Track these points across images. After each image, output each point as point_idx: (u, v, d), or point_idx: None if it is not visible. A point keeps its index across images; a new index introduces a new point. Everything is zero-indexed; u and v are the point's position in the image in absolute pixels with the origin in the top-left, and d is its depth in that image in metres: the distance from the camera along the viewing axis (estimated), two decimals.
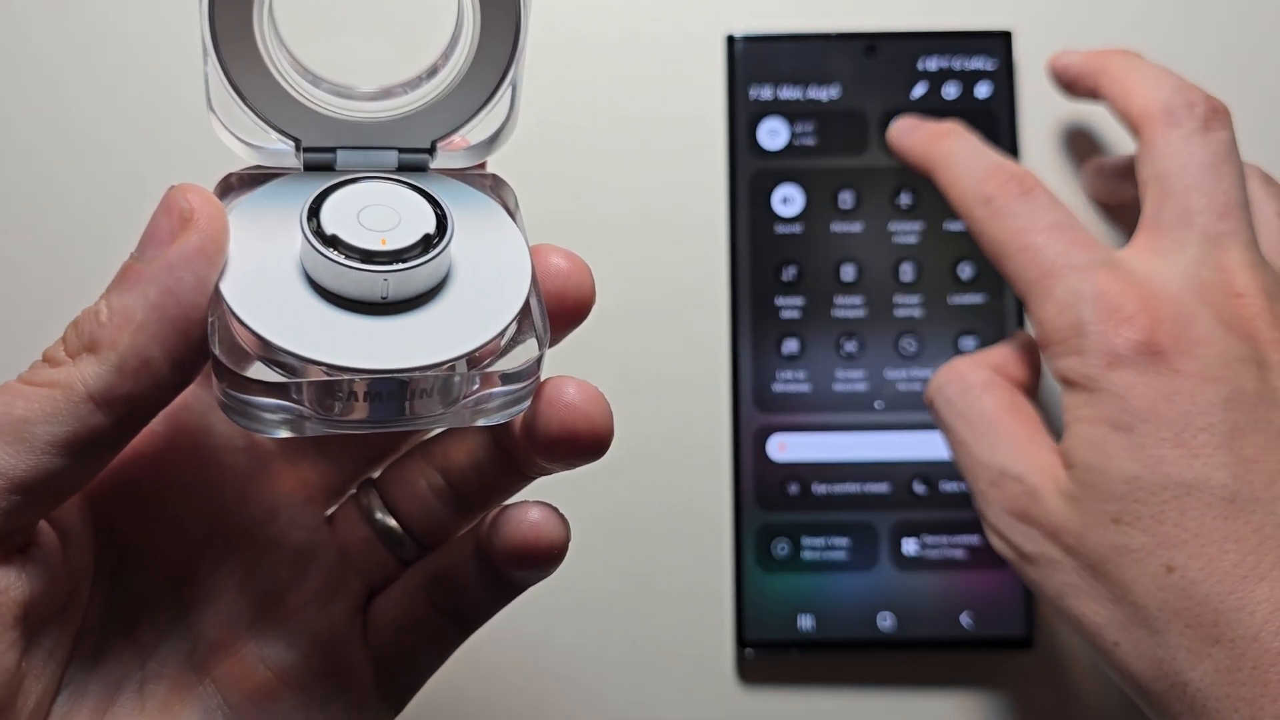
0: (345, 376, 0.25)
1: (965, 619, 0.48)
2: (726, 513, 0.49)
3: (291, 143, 0.28)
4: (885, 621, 0.48)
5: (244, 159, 0.29)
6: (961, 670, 0.48)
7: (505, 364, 0.27)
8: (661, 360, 0.49)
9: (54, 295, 0.48)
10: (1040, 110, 0.51)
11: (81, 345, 0.25)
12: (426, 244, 0.26)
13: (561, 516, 0.28)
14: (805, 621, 0.48)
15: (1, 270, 0.48)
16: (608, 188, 0.50)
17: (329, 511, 0.30)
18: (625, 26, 0.51)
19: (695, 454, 0.49)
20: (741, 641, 0.48)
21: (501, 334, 0.26)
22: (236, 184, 0.28)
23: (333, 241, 0.26)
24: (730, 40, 0.50)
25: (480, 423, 0.27)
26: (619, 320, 0.49)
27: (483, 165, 0.30)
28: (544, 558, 0.28)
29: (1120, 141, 0.50)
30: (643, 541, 0.48)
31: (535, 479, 0.29)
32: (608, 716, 0.48)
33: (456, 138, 0.29)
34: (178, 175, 0.46)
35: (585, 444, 0.27)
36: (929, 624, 0.48)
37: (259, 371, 0.26)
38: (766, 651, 0.48)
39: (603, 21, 0.51)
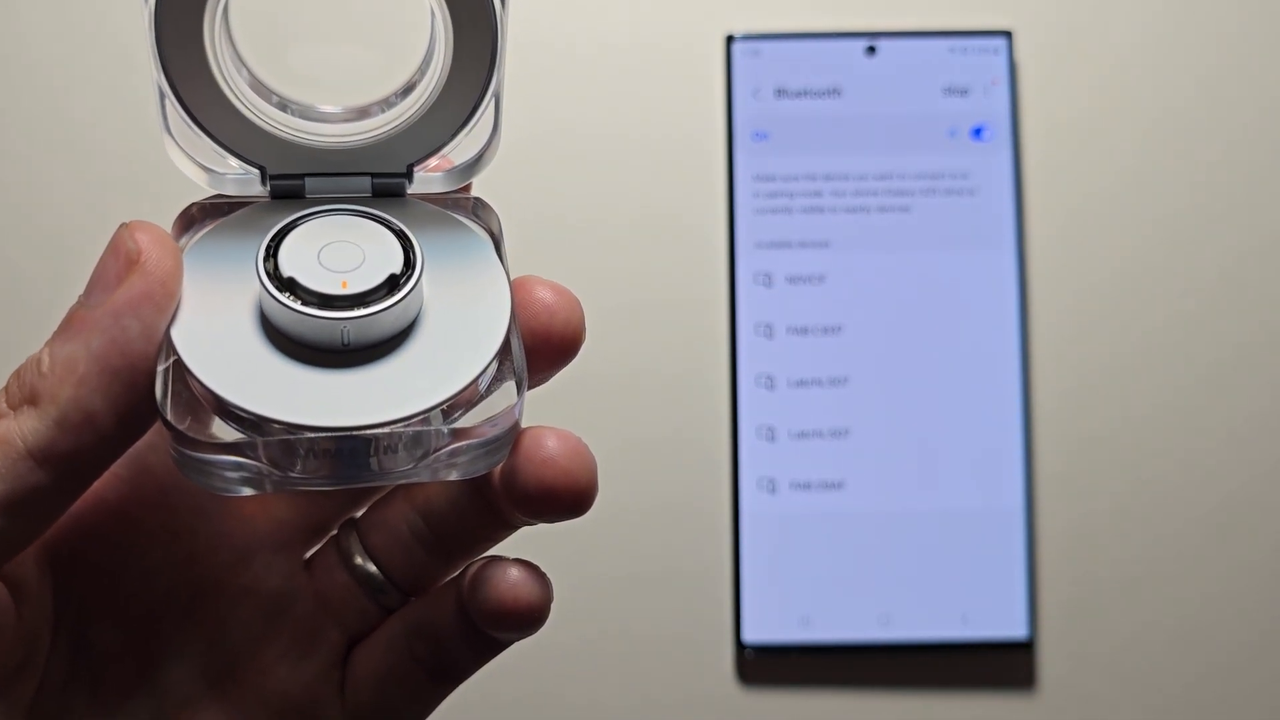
0: (305, 435, 0.21)
1: (965, 619, 0.44)
2: (726, 514, 0.45)
3: (256, 170, 0.24)
4: (885, 622, 0.44)
5: (205, 188, 0.24)
6: (961, 670, 0.44)
7: (480, 414, 0.22)
8: (660, 360, 0.46)
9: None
10: (1041, 109, 0.46)
11: (22, 397, 0.21)
12: (392, 285, 0.22)
13: (542, 576, 0.24)
14: (805, 622, 0.44)
15: None
16: (606, 186, 0.46)
17: (307, 555, 0.26)
18: (625, 26, 0.47)
19: (695, 454, 0.45)
20: (741, 642, 0.44)
21: (475, 382, 0.22)
22: (199, 215, 0.24)
23: (290, 285, 0.22)
24: (729, 40, 0.46)
25: (454, 476, 0.22)
26: (618, 321, 0.46)
27: (466, 188, 0.25)
28: (522, 620, 0.24)
29: (1119, 142, 0.46)
30: (643, 542, 0.45)
31: (520, 528, 0.25)
32: (608, 717, 0.44)
33: (435, 160, 0.25)
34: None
35: (564, 502, 0.23)
36: (929, 624, 0.44)
37: (213, 428, 0.21)
38: (766, 652, 0.44)
39: (602, 21, 0.47)
